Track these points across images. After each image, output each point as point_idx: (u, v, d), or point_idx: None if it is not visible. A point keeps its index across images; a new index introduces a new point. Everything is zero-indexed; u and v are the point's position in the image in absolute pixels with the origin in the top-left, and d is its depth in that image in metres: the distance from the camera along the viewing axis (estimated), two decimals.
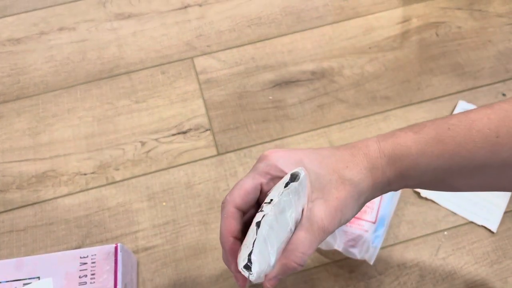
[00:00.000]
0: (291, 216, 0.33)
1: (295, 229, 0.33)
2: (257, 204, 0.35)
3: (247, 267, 0.31)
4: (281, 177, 0.34)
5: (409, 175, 0.34)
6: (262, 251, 0.31)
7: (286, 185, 0.32)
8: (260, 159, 0.35)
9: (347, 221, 0.35)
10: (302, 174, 0.33)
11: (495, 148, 0.32)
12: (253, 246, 0.31)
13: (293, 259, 0.32)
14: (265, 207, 0.32)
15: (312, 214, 0.32)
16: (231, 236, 0.33)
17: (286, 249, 0.32)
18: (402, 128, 0.35)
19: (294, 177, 0.33)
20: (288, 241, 0.33)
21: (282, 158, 0.34)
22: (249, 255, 0.31)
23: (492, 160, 0.33)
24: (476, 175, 0.34)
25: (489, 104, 0.34)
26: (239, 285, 0.34)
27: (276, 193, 0.32)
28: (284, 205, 0.32)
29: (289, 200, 0.32)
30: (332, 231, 0.33)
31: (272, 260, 0.32)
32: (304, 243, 0.32)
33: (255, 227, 0.31)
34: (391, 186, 0.36)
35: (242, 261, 0.31)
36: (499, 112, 0.33)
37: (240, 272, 0.32)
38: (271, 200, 0.32)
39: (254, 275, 0.31)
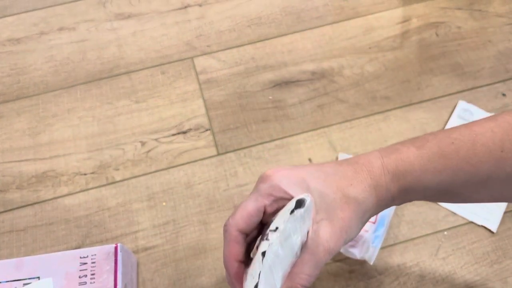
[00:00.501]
0: (297, 240, 0.32)
1: (300, 251, 0.33)
2: (260, 225, 0.35)
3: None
4: (284, 198, 0.33)
5: (413, 191, 0.34)
6: (268, 280, 0.31)
7: (292, 211, 0.32)
8: (262, 180, 0.34)
9: (352, 239, 0.34)
10: (308, 200, 0.32)
11: (499, 163, 0.32)
12: (259, 277, 0.31)
13: (299, 281, 0.32)
14: (270, 235, 0.31)
15: (317, 236, 0.32)
16: (235, 261, 0.33)
17: (291, 272, 0.32)
18: (405, 142, 0.35)
19: (299, 204, 0.32)
20: (294, 264, 0.32)
21: (285, 178, 0.33)
22: (256, 286, 0.31)
23: (496, 174, 0.32)
24: (481, 189, 0.34)
25: (493, 116, 0.34)
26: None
27: (281, 220, 0.32)
28: (290, 231, 0.32)
29: (294, 226, 0.32)
30: (337, 251, 0.33)
31: (278, 286, 0.32)
32: (310, 265, 0.32)
33: (261, 257, 0.31)
34: (395, 201, 0.35)
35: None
36: (503, 125, 0.32)
37: None
38: (277, 228, 0.31)
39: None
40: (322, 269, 0.33)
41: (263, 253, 0.31)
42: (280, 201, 0.33)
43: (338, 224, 0.32)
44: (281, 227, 0.31)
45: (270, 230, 0.32)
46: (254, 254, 0.34)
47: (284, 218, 0.32)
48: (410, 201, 0.36)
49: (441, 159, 0.33)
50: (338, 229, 0.32)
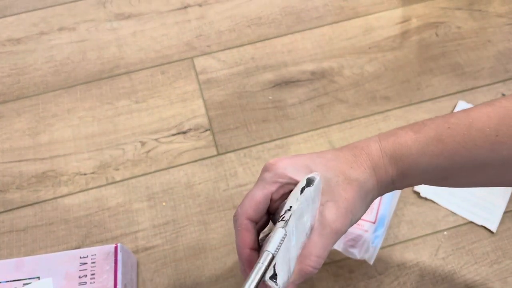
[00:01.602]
0: (308, 221, 0.33)
1: (310, 233, 0.33)
2: (268, 213, 0.36)
3: (273, 277, 0.31)
4: (290, 184, 0.34)
5: (411, 174, 0.35)
6: (285, 259, 0.32)
7: (302, 189, 0.32)
8: (266, 169, 0.35)
9: (358, 220, 0.35)
10: (317, 178, 0.33)
11: (495, 147, 0.32)
12: (274, 265, 0.31)
13: (309, 263, 0.32)
14: (286, 214, 0.32)
15: (323, 217, 0.33)
16: (248, 248, 0.34)
17: (301, 254, 0.33)
18: (403, 127, 0.36)
19: (310, 182, 0.33)
20: (303, 246, 0.33)
21: (289, 165, 0.34)
22: (272, 259, 0.31)
23: (492, 158, 0.33)
24: (477, 173, 0.34)
25: (490, 101, 0.34)
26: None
27: (294, 199, 0.33)
28: (302, 210, 0.32)
29: (306, 206, 0.33)
30: (345, 232, 0.34)
31: (292, 266, 0.32)
32: (318, 246, 0.32)
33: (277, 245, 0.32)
34: (395, 184, 0.36)
35: (267, 273, 0.31)
36: (499, 110, 0.33)
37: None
38: (290, 207, 0.32)
39: (280, 286, 0.31)
40: (329, 250, 0.33)
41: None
42: (286, 187, 0.34)
43: (343, 205, 0.33)
44: (294, 206, 0.32)
45: (286, 210, 0.32)
46: (263, 241, 0.35)
47: (296, 196, 0.32)
48: (410, 185, 0.37)
49: (437, 143, 0.33)
50: (343, 209, 0.33)
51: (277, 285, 0.31)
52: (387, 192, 0.37)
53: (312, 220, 0.33)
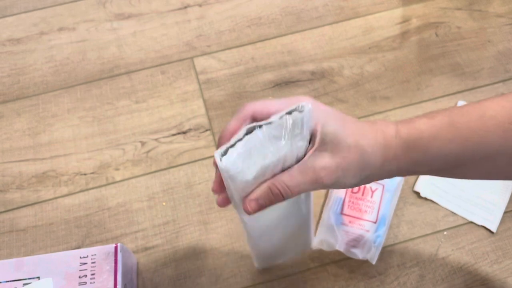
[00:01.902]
0: (283, 149, 0.32)
1: (282, 168, 0.33)
2: None
3: (222, 155, 0.31)
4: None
5: (421, 162, 0.35)
6: (244, 157, 0.31)
7: (289, 112, 0.32)
8: (297, 98, 0.34)
9: (344, 186, 0.35)
10: (308, 107, 0.32)
11: (507, 135, 0.33)
12: (235, 143, 0.31)
13: (277, 186, 0.33)
14: (262, 122, 0.31)
15: (313, 160, 0.33)
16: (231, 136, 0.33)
17: (276, 175, 0.33)
18: (419, 115, 0.36)
19: (299, 109, 0.32)
20: (281, 171, 0.33)
21: (316, 106, 0.33)
22: (230, 147, 0.31)
23: (503, 147, 0.33)
24: (487, 162, 0.35)
25: (504, 94, 0.35)
26: (217, 203, 0.36)
27: (276, 116, 0.32)
28: (280, 132, 0.32)
29: (287, 129, 0.32)
30: (325, 187, 0.34)
31: (250, 176, 0.32)
32: (294, 179, 0.33)
33: (244, 132, 0.31)
34: (401, 170, 0.36)
35: (219, 149, 0.31)
36: None
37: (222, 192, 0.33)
38: (270, 122, 0.31)
39: (223, 163, 0.31)
40: (301, 191, 0.33)
41: (249, 130, 0.31)
42: None
43: (337, 160, 0.33)
44: (274, 119, 0.31)
45: (264, 121, 0.32)
46: None
47: (281, 114, 0.32)
48: (415, 173, 0.37)
49: (450, 128, 0.34)
50: (335, 163, 0.33)
51: (221, 161, 0.31)
52: (386, 178, 0.37)
53: (290, 157, 0.32)
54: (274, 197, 0.33)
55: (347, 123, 0.34)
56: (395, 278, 0.50)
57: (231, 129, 0.34)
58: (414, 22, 0.67)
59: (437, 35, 0.66)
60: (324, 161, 0.33)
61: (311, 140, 0.33)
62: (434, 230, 0.52)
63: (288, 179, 0.33)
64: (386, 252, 0.51)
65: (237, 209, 0.36)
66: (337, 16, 0.68)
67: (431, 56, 0.64)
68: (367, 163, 0.34)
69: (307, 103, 0.32)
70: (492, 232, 0.52)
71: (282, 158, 0.32)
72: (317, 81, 0.63)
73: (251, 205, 0.33)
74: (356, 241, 0.49)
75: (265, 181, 0.33)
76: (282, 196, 0.33)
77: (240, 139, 0.31)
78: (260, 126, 0.31)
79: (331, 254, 0.51)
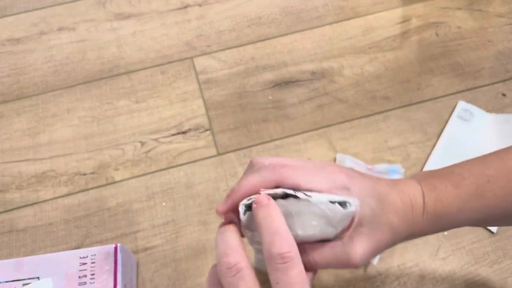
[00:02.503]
0: (316, 228, 0.31)
1: (326, 241, 0.32)
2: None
3: (248, 208, 0.30)
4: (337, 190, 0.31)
5: (446, 228, 0.35)
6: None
7: (333, 202, 0.30)
8: (332, 175, 0.32)
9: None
10: (356, 208, 0.30)
11: None
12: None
13: (307, 258, 0.31)
14: (306, 197, 0.30)
15: (348, 246, 0.31)
16: (251, 191, 0.31)
17: (307, 245, 0.31)
18: (441, 177, 0.34)
19: (344, 204, 0.31)
20: (315, 244, 0.32)
21: (356, 184, 0.32)
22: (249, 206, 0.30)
23: None
24: None
25: None
26: (218, 210, 0.34)
27: (320, 196, 0.30)
28: (320, 213, 0.30)
29: (329, 218, 0.30)
30: (354, 268, 0.33)
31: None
32: (324, 258, 0.31)
33: (280, 195, 0.30)
34: (423, 235, 0.35)
35: (247, 200, 0.30)
36: None
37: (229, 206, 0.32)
38: (310, 196, 0.30)
39: (243, 221, 0.30)
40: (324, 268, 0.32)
41: (286, 195, 0.29)
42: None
43: (374, 245, 0.32)
44: (314, 199, 0.29)
45: (303, 192, 0.30)
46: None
47: (324, 197, 0.30)
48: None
49: (478, 199, 0.33)
50: (372, 249, 0.32)
51: (244, 216, 0.30)
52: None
53: (330, 234, 0.31)
54: (306, 267, 0.31)
55: (381, 196, 0.33)
56: (396, 278, 0.50)
57: (251, 186, 0.31)
58: (414, 22, 0.67)
59: (437, 35, 0.66)
60: (363, 247, 0.31)
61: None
62: None
63: (319, 256, 0.31)
64: (387, 252, 0.51)
65: (251, 244, 0.35)
66: (337, 16, 0.68)
67: (431, 56, 0.64)
68: (395, 240, 0.33)
69: (354, 200, 0.31)
70: (492, 232, 0.52)
71: (312, 234, 0.31)
72: (317, 81, 0.63)
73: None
74: None
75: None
76: (307, 266, 0.31)
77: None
78: (297, 197, 0.29)
79: None
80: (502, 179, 0.33)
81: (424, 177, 0.35)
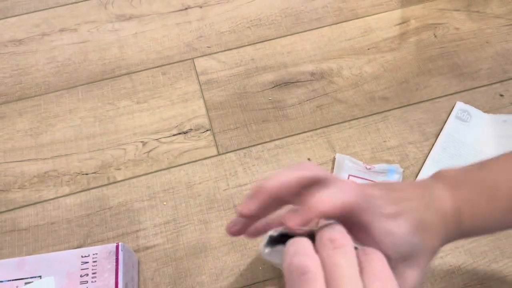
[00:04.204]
0: None
1: None
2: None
3: (270, 242, 0.30)
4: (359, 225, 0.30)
5: (477, 236, 0.36)
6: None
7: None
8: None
9: None
10: None
11: None
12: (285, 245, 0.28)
13: None
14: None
15: (404, 279, 0.32)
16: (282, 189, 0.29)
17: None
18: (474, 185, 0.35)
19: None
20: None
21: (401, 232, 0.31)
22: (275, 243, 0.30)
23: None
24: None
25: None
26: (229, 230, 0.33)
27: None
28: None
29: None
30: None
31: None
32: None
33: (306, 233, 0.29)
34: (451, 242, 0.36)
35: (272, 232, 0.30)
36: None
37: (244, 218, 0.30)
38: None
39: (266, 251, 0.30)
40: None
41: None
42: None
43: (420, 274, 0.33)
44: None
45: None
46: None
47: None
48: None
49: (509, 213, 0.34)
50: (420, 276, 0.32)
51: (265, 250, 0.30)
52: None
53: None
54: None
55: (430, 228, 0.33)
56: None
57: (280, 185, 0.29)
58: (413, 23, 0.68)
59: (435, 36, 0.67)
60: (413, 279, 0.32)
61: None
62: None
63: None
64: None
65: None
66: (336, 17, 0.69)
67: (430, 57, 0.65)
68: (434, 256, 0.34)
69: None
70: None
71: None
72: (317, 82, 0.63)
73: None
74: None
75: None
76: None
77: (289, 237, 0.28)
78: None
79: None
80: None
81: (456, 184, 0.35)
